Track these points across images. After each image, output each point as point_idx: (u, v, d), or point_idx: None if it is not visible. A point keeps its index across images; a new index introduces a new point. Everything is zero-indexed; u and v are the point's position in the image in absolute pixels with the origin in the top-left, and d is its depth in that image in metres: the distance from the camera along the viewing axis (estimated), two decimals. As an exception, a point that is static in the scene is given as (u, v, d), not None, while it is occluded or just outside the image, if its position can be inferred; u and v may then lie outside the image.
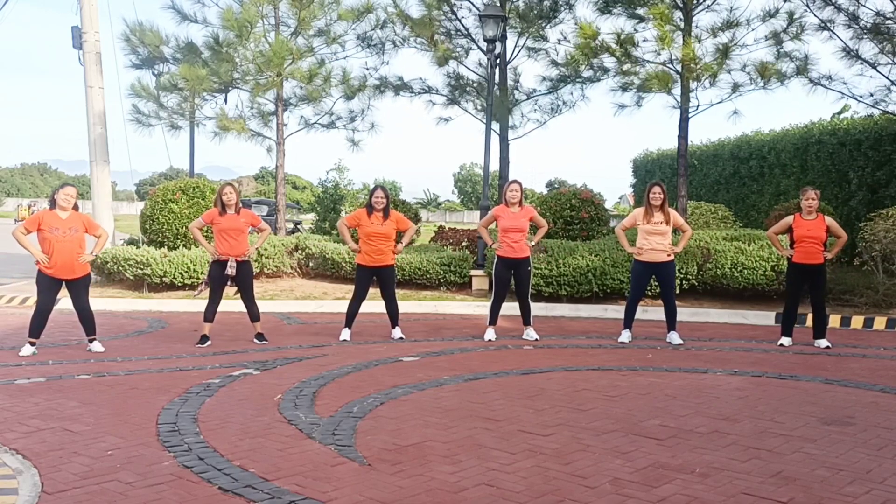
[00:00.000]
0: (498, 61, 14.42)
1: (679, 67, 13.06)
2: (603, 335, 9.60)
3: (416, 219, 15.97)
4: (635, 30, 13.38)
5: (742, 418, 5.59)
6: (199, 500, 3.94)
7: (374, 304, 9.92)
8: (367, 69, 16.10)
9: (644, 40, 13.32)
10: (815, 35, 13.18)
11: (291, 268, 14.17)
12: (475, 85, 15.64)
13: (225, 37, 14.83)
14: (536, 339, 9.06)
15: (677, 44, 12.81)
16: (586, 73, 14.64)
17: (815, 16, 13.06)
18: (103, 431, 5.12)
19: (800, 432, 5.24)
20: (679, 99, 13.23)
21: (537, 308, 11.51)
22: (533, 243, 9.36)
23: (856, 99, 13.45)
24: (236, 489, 4.08)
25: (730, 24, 13.05)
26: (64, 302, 8.11)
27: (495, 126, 14.72)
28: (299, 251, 14.32)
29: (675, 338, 8.96)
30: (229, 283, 8.67)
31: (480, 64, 15.39)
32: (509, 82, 15.31)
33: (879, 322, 10.58)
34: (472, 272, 13.04)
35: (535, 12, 14.83)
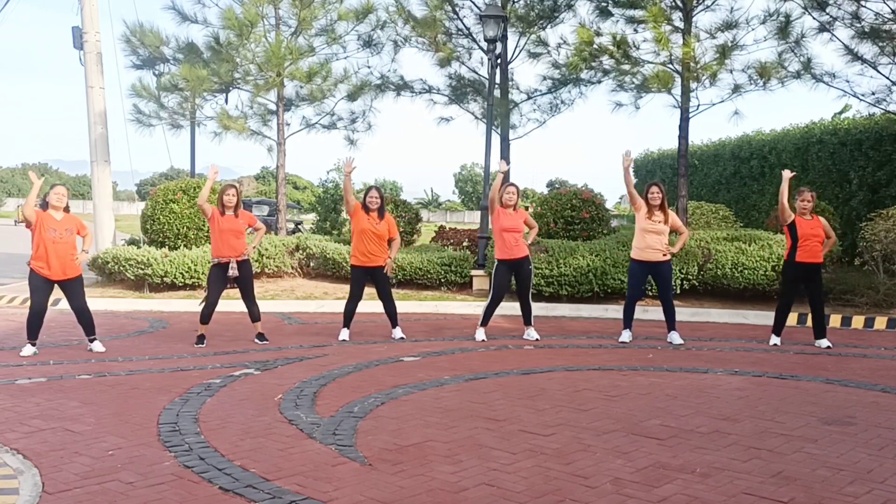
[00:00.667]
0: (499, 61, 14.43)
1: (679, 67, 13.06)
2: (604, 335, 9.60)
3: (416, 219, 15.98)
4: (635, 31, 13.40)
5: (743, 418, 5.59)
6: (199, 499, 3.95)
7: (374, 305, 9.92)
8: (370, 67, 16.12)
9: (644, 41, 13.34)
10: (816, 36, 13.20)
11: (292, 268, 14.18)
12: (476, 85, 15.64)
13: (225, 37, 14.84)
14: (537, 339, 9.06)
15: (676, 44, 12.81)
16: (586, 75, 14.65)
17: (813, 18, 13.07)
18: (104, 431, 5.12)
19: (800, 432, 5.24)
20: (679, 99, 13.24)
21: (538, 308, 11.51)
22: (529, 242, 9.35)
23: (857, 97, 13.45)
24: (237, 489, 4.08)
25: (729, 25, 13.05)
26: (65, 302, 8.12)
27: (496, 126, 14.72)
28: (300, 251, 14.32)
29: (675, 338, 8.97)
30: (230, 284, 8.68)
31: (481, 64, 15.39)
32: (510, 82, 15.31)
33: (880, 322, 10.58)
34: (473, 272, 13.04)
35: (536, 12, 14.83)
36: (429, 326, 10.25)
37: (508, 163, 15.13)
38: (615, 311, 11.24)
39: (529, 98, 15.77)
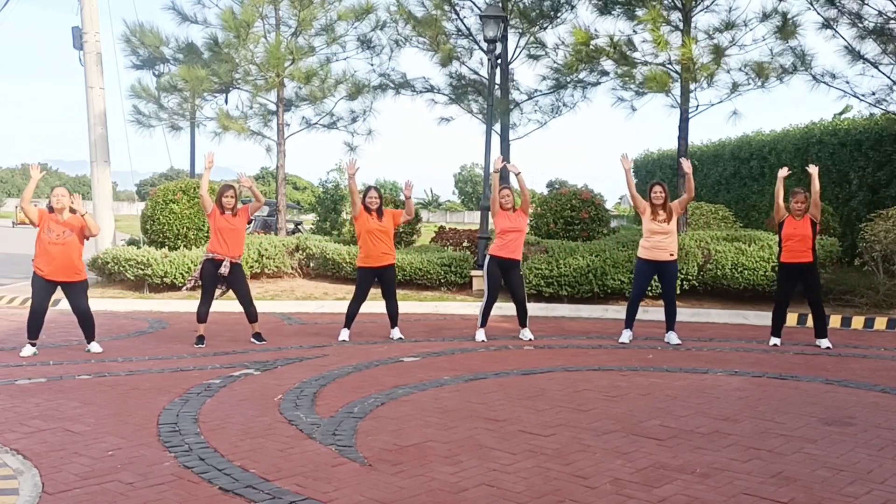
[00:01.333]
0: (499, 62, 14.42)
1: (678, 68, 13.06)
2: (603, 335, 9.60)
3: (416, 219, 15.97)
4: (634, 31, 13.40)
5: (742, 419, 5.59)
6: (199, 500, 3.95)
7: (374, 305, 9.92)
8: (371, 64, 16.12)
9: (643, 41, 13.34)
10: (817, 34, 13.20)
11: (292, 268, 14.17)
12: (477, 85, 15.64)
13: (225, 37, 14.84)
14: (531, 339, 9.08)
15: (675, 45, 12.81)
16: (585, 76, 14.64)
17: (818, 13, 13.05)
18: (104, 432, 5.12)
19: (800, 433, 5.24)
20: (679, 99, 13.24)
21: (538, 308, 11.52)
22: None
23: (858, 97, 13.44)
24: (237, 489, 4.08)
25: (729, 25, 13.05)
26: (65, 302, 8.12)
27: (496, 126, 14.72)
28: (300, 251, 14.32)
29: (673, 338, 8.97)
30: (220, 284, 8.68)
31: (482, 64, 15.39)
32: (510, 83, 15.31)
33: (880, 322, 10.58)
34: (473, 272, 13.04)
35: (537, 12, 14.82)
36: (429, 327, 10.25)
37: (508, 161, 15.15)
38: (615, 311, 11.25)
39: (530, 98, 15.76)
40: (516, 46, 15.30)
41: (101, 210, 15.61)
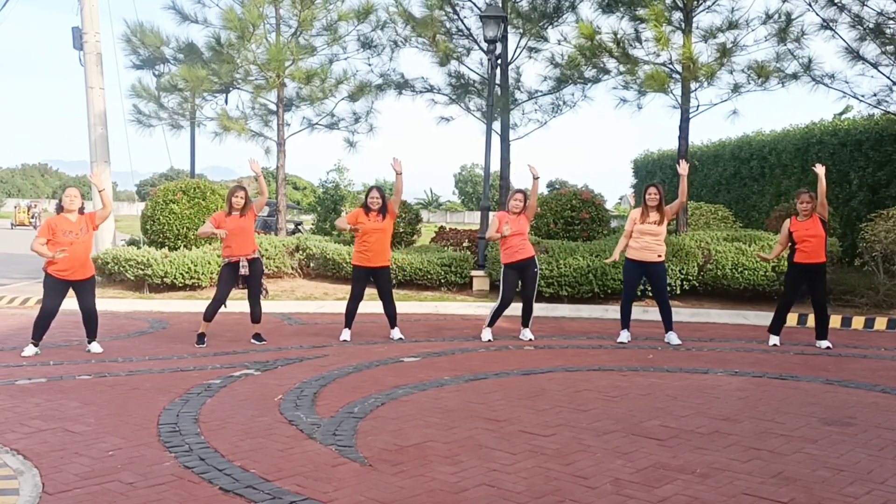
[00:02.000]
0: (499, 62, 14.42)
1: (679, 68, 13.06)
2: (603, 335, 9.60)
3: (416, 219, 15.97)
4: (636, 30, 13.39)
5: (743, 419, 5.59)
6: (199, 500, 3.95)
7: (374, 305, 9.92)
8: (371, 65, 16.10)
9: (645, 40, 13.34)
10: (817, 35, 13.19)
11: (292, 268, 14.17)
12: (477, 85, 15.64)
13: (226, 37, 14.83)
14: (531, 339, 9.08)
15: (676, 44, 12.81)
16: (587, 74, 14.64)
17: (817, 14, 13.06)
18: (104, 432, 5.12)
19: (800, 433, 5.24)
20: (679, 99, 13.24)
21: (538, 308, 11.49)
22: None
23: (857, 98, 13.45)
24: (237, 489, 4.08)
25: (730, 26, 13.04)
26: (66, 302, 8.11)
27: (496, 126, 14.72)
28: (300, 252, 14.32)
29: (673, 338, 8.98)
30: (240, 284, 8.69)
31: (482, 64, 15.39)
32: (510, 82, 15.31)
33: (880, 322, 10.58)
34: (473, 273, 13.04)
35: (539, 12, 14.81)
36: (429, 327, 10.25)
37: (509, 164, 15.14)
38: (615, 311, 11.22)
39: (531, 98, 15.75)
40: (517, 47, 15.32)
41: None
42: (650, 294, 11.36)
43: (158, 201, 14.35)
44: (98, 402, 5.91)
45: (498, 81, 14.68)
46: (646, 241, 8.89)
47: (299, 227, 25.55)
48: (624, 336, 9.10)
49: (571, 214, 13.97)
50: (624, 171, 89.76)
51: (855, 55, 13.03)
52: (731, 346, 8.91)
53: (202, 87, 14.82)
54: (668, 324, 9.08)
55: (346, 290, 12.14)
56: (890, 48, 12.73)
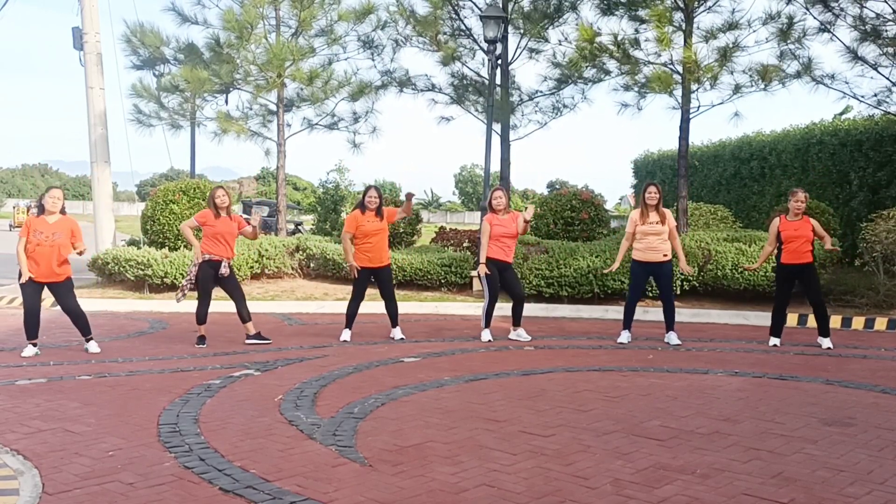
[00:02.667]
0: (499, 62, 14.42)
1: (680, 69, 13.06)
2: (604, 336, 9.60)
3: (416, 220, 15.97)
4: (636, 31, 13.39)
5: (743, 419, 5.59)
6: (199, 500, 3.95)
7: (374, 305, 9.93)
8: (373, 60, 16.08)
9: (646, 41, 13.34)
10: (816, 37, 13.18)
11: (292, 268, 14.18)
12: (478, 85, 15.64)
13: (226, 38, 14.84)
14: (529, 339, 9.08)
15: (678, 45, 12.81)
16: (588, 74, 14.64)
17: (814, 18, 13.07)
18: (104, 432, 5.12)
19: (801, 433, 5.24)
20: (680, 100, 13.23)
21: (538, 309, 11.53)
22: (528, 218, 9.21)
23: (857, 99, 13.45)
24: (237, 490, 4.08)
25: (731, 26, 13.04)
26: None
27: (496, 127, 14.72)
28: (300, 252, 14.32)
29: (673, 338, 8.98)
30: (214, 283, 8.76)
31: (483, 64, 15.39)
32: (511, 83, 15.31)
33: (880, 323, 10.58)
34: (473, 273, 13.04)
35: (540, 12, 14.80)
36: (429, 327, 10.25)
37: (509, 165, 15.14)
38: (615, 312, 11.24)
39: (531, 99, 15.75)
40: (517, 47, 15.32)
41: (102, 210, 15.62)
42: (650, 294, 11.38)
43: (158, 201, 14.35)
44: (98, 403, 5.91)
45: (498, 82, 14.68)
46: (650, 241, 8.89)
47: (299, 227, 25.57)
48: (624, 336, 9.10)
49: (571, 215, 13.98)
50: (624, 171, 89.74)
51: (854, 56, 13.03)
52: (732, 347, 8.91)
53: (202, 88, 14.83)
54: (669, 323, 9.08)
55: (345, 290, 12.15)
56: (889, 50, 12.72)
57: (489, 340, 9.01)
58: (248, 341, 8.74)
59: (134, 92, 15.60)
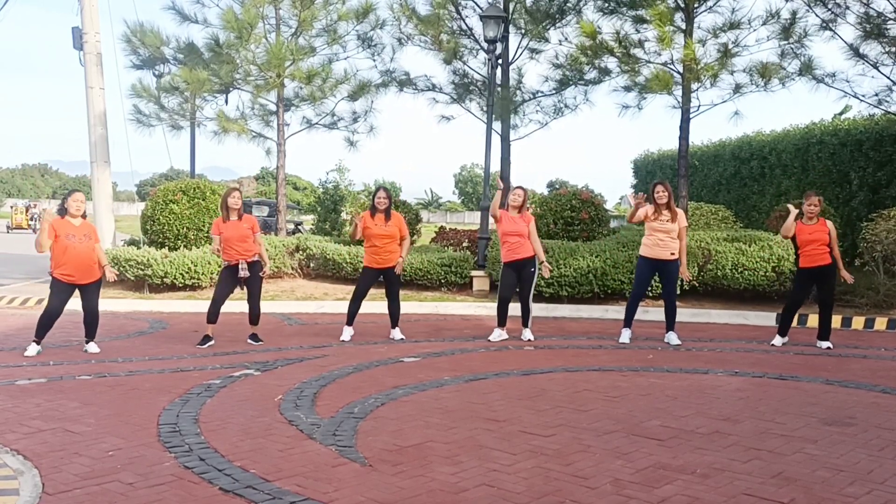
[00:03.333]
0: (500, 62, 14.42)
1: (680, 68, 13.06)
2: (604, 336, 9.60)
3: (416, 219, 15.97)
4: (637, 30, 13.39)
5: (743, 419, 5.59)
6: (199, 500, 3.95)
7: (374, 305, 9.93)
8: (373, 59, 16.08)
9: (646, 40, 13.33)
10: (817, 35, 13.17)
11: (292, 268, 14.18)
12: (478, 84, 15.64)
13: (226, 38, 14.84)
14: (530, 340, 9.08)
15: (678, 44, 12.81)
16: (589, 76, 14.65)
17: (817, 16, 13.06)
18: (104, 432, 5.12)
19: (801, 433, 5.24)
20: (680, 99, 13.23)
21: (538, 308, 11.52)
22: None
23: (858, 98, 13.44)
24: (237, 490, 4.08)
25: (732, 26, 13.04)
26: (69, 303, 8.12)
27: (497, 126, 14.72)
28: (300, 252, 14.32)
29: (673, 338, 8.98)
30: (242, 286, 8.70)
31: (484, 64, 15.38)
32: (512, 83, 15.31)
33: (880, 323, 10.58)
34: (473, 273, 13.05)
35: (542, 12, 14.79)
36: (429, 327, 10.26)
37: (509, 164, 15.14)
38: (615, 311, 11.24)
39: (532, 98, 15.74)
40: (518, 47, 15.32)
41: (101, 210, 15.61)
42: (650, 294, 11.38)
43: (158, 201, 14.35)
44: (98, 403, 5.91)
45: (499, 81, 14.67)
46: (658, 237, 8.90)
47: (299, 227, 25.57)
48: (625, 336, 9.10)
49: (571, 214, 13.97)
50: (624, 171, 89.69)
51: (856, 53, 13.03)
52: (732, 347, 8.91)
53: (203, 89, 14.83)
54: (670, 323, 9.08)
55: (346, 290, 12.16)
56: (892, 49, 12.72)
57: (499, 339, 9.00)
58: (249, 340, 8.75)
59: (134, 92, 15.59)
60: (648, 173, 22.08)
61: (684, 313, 11.18)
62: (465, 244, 14.93)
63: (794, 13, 12.85)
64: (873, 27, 12.71)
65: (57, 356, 7.84)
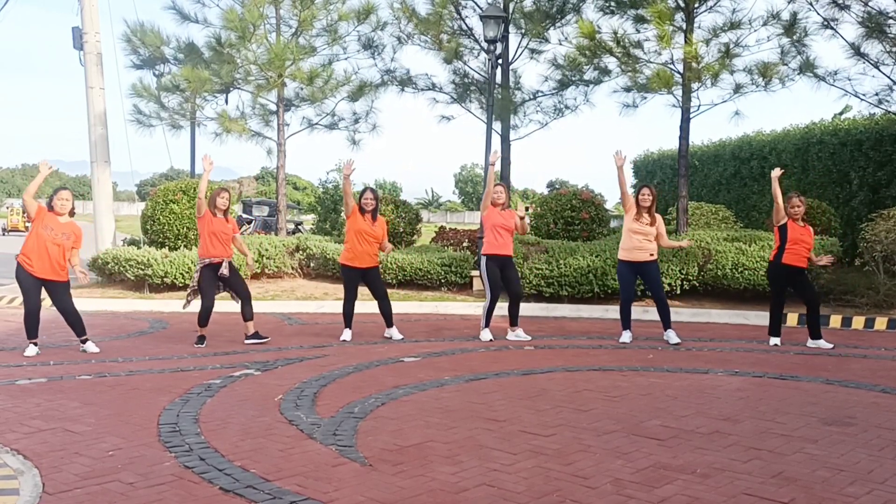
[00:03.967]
0: (500, 62, 14.42)
1: (680, 68, 13.06)
2: (604, 335, 9.60)
3: (416, 219, 15.97)
4: (637, 30, 13.38)
5: (743, 419, 5.59)
6: (200, 500, 3.94)
7: (374, 305, 9.90)
8: (374, 58, 16.07)
9: (646, 40, 13.33)
10: (818, 34, 13.17)
11: (292, 268, 14.18)
12: (479, 84, 15.63)
13: (226, 37, 14.84)
14: (529, 339, 9.08)
15: (678, 44, 12.80)
16: (589, 76, 14.64)
17: (818, 14, 13.06)
18: (104, 432, 5.12)
19: (801, 433, 5.24)
20: (680, 99, 13.23)
21: (538, 308, 11.53)
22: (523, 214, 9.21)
23: (859, 97, 13.44)
24: (237, 489, 4.08)
25: (732, 25, 13.04)
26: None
27: (497, 126, 14.72)
28: (300, 252, 14.33)
29: (672, 336, 8.99)
30: (220, 286, 8.75)
31: (485, 65, 15.38)
32: (511, 83, 15.31)
33: (880, 322, 10.58)
34: (473, 273, 13.04)
35: (542, 12, 14.79)
36: (429, 327, 10.25)
37: (509, 164, 15.14)
38: (615, 311, 11.20)
39: (533, 99, 15.74)
40: (518, 47, 15.31)
41: (102, 210, 15.61)
42: (650, 294, 11.37)
43: (158, 201, 14.35)
44: (98, 402, 5.91)
45: (499, 81, 14.67)
46: (637, 240, 8.96)
47: (299, 227, 25.58)
48: (626, 336, 9.12)
49: (571, 214, 13.98)
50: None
51: (857, 52, 13.02)
52: (732, 346, 8.91)
53: (203, 88, 14.83)
54: (666, 322, 9.09)
55: (346, 290, 12.16)
56: (894, 49, 12.72)
57: (490, 340, 9.02)
58: (247, 341, 8.74)
59: (134, 92, 15.60)
60: (648, 173, 22.07)
61: (684, 313, 11.19)
62: (465, 244, 14.92)
63: (794, 14, 12.85)
64: (874, 25, 12.71)
65: (57, 356, 7.84)
